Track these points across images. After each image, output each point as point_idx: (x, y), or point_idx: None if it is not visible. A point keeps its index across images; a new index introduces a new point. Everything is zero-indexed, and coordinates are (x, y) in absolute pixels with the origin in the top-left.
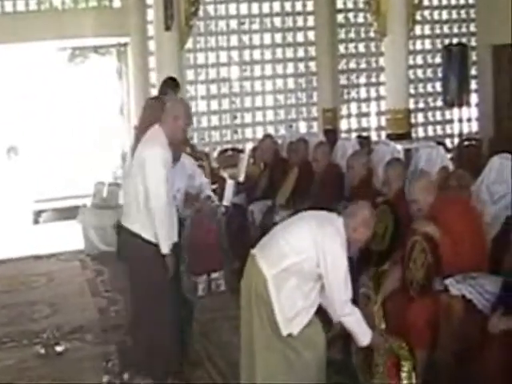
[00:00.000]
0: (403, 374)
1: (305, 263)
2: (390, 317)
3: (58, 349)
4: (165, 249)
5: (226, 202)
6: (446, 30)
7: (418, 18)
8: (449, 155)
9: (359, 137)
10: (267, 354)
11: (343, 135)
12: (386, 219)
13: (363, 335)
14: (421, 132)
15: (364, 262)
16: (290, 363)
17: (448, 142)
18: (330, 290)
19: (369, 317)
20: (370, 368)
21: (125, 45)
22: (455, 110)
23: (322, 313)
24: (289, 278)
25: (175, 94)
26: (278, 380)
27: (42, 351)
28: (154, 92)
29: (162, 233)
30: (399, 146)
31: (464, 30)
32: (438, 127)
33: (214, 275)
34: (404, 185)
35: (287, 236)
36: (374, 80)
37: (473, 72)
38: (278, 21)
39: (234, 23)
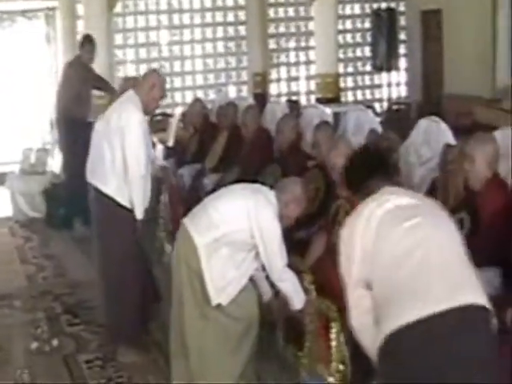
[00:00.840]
0: (332, 335)
1: (237, 234)
2: (318, 279)
3: None
4: (139, 215)
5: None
6: None
7: None
8: (378, 119)
9: (289, 101)
10: (200, 323)
11: (273, 99)
12: (317, 182)
13: (298, 299)
14: (350, 96)
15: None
16: (224, 330)
17: (377, 106)
18: (266, 259)
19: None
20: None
21: (53, 9)
22: (384, 75)
23: None
24: (220, 248)
25: (91, 48)
26: (212, 348)
27: None
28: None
29: (139, 200)
30: (328, 110)
31: None
32: (367, 91)
33: None
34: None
35: (219, 206)
36: (303, 44)
37: (402, 37)
38: None
39: None
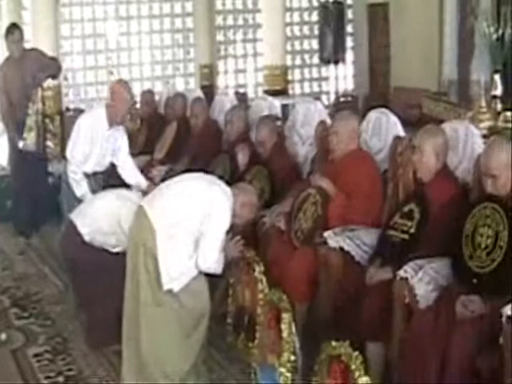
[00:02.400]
0: (283, 326)
1: (191, 221)
2: (273, 268)
3: None
4: None
5: None
6: None
7: None
8: (326, 111)
9: (236, 93)
10: (153, 308)
11: (220, 91)
12: (261, 180)
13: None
14: (297, 89)
15: None
16: (177, 317)
17: (324, 98)
18: (206, 246)
19: None
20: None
21: None
22: (331, 67)
23: None
24: (176, 235)
25: (13, 35)
26: (165, 333)
27: None
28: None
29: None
30: (277, 102)
31: None
32: (315, 84)
33: None
34: (278, 140)
35: (176, 192)
36: (250, 36)
37: (349, 30)
38: None
39: None
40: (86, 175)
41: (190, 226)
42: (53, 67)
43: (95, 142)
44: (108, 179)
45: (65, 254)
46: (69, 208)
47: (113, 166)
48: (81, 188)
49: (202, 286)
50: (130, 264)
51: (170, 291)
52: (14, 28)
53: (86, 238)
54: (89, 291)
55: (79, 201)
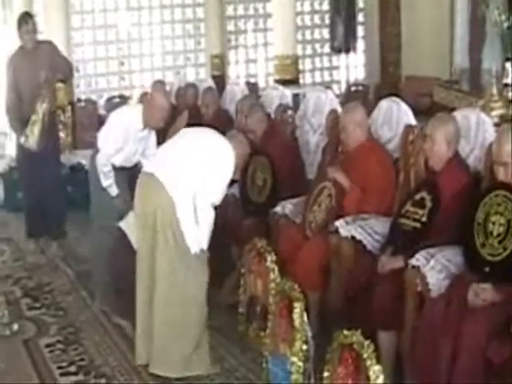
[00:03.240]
0: (295, 315)
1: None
2: (284, 258)
3: None
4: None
5: None
6: None
7: None
8: (336, 101)
9: (247, 83)
10: (169, 279)
11: (232, 81)
12: (264, 171)
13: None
14: (308, 78)
15: (246, 211)
16: (187, 285)
17: (335, 88)
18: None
19: None
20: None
21: None
22: (342, 57)
23: None
24: (200, 204)
25: (27, 25)
26: (175, 305)
27: None
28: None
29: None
30: (288, 91)
31: None
32: (326, 73)
33: None
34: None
35: (187, 154)
36: (261, 26)
37: (360, 19)
38: None
39: None
40: (114, 167)
41: (199, 185)
42: (65, 70)
43: (127, 140)
44: (133, 176)
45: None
46: (95, 198)
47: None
48: (108, 180)
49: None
50: (144, 234)
51: (188, 259)
52: (27, 17)
53: None
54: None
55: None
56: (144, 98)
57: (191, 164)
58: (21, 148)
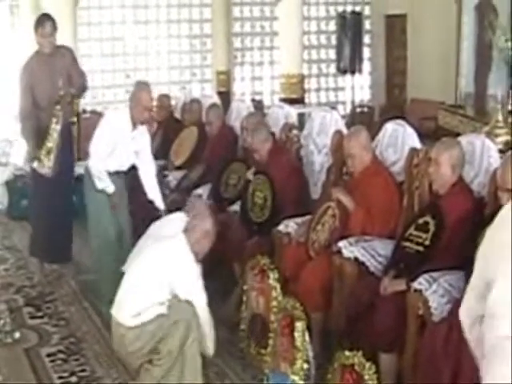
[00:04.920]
0: (297, 334)
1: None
2: (287, 277)
3: None
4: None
5: None
6: None
7: None
8: (342, 121)
9: (253, 100)
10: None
11: (237, 98)
12: (264, 190)
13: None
14: (314, 98)
15: (248, 232)
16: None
17: (341, 108)
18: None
19: None
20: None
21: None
22: (348, 78)
23: None
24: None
25: (44, 29)
26: None
27: None
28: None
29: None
30: (293, 110)
31: None
32: (331, 93)
33: None
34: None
35: (140, 287)
36: (267, 44)
37: (366, 40)
38: None
39: None
40: (108, 173)
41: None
42: (79, 84)
43: (118, 142)
44: (129, 180)
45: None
46: (89, 205)
47: (134, 168)
48: (102, 181)
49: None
50: None
51: None
52: (45, 20)
53: None
54: None
55: (100, 193)
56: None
57: (149, 294)
58: (33, 171)
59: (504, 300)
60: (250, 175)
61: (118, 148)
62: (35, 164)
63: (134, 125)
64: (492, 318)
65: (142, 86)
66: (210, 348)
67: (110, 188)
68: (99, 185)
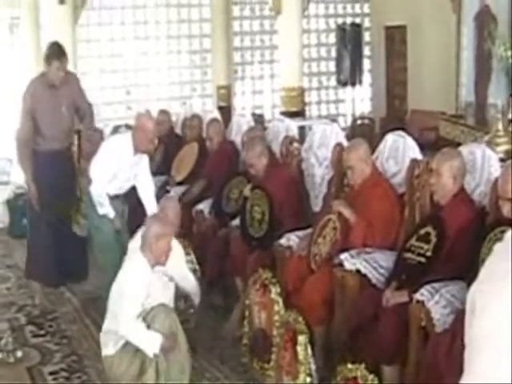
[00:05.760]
0: (299, 348)
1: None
2: (290, 290)
3: None
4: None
5: None
6: (339, 10)
7: None
8: (342, 134)
9: (253, 114)
10: None
11: (238, 112)
12: (261, 204)
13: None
14: (314, 110)
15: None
16: None
17: (341, 120)
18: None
19: None
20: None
21: (17, 18)
22: (348, 90)
23: None
24: None
25: (61, 64)
26: None
27: None
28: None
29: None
30: (294, 123)
31: (358, 10)
32: (332, 106)
33: None
34: (270, 160)
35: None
36: (267, 58)
37: (366, 52)
38: None
39: None
40: (108, 196)
41: None
42: (86, 117)
43: (120, 168)
44: (127, 201)
45: None
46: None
47: (133, 189)
48: (104, 207)
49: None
50: None
51: None
52: (60, 54)
53: None
54: None
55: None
56: (133, 125)
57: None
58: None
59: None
60: (246, 192)
61: (119, 174)
62: (76, 229)
63: (136, 151)
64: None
65: (147, 117)
66: None
67: (111, 214)
68: (100, 210)
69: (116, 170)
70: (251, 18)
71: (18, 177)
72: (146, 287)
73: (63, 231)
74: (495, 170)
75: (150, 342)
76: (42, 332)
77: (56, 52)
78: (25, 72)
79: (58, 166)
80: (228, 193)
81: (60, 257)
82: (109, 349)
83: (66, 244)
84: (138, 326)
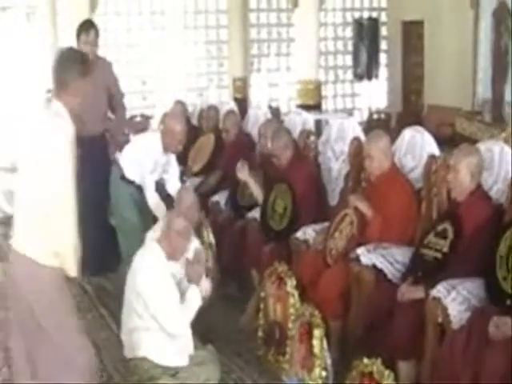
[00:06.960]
0: (315, 341)
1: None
2: (305, 284)
3: None
4: None
5: None
6: (357, 4)
7: None
8: (359, 128)
9: (270, 107)
10: None
11: (254, 104)
12: (285, 198)
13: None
14: (330, 104)
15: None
16: None
17: (357, 114)
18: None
19: None
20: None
21: (34, 7)
22: (365, 84)
23: None
24: None
25: (87, 36)
26: None
27: None
28: None
29: None
30: (310, 117)
31: (375, 4)
32: (348, 100)
33: None
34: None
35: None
36: (284, 50)
37: (383, 46)
38: None
39: None
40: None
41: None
42: (120, 111)
43: (152, 166)
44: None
45: None
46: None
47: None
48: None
49: None
50: None
51: None
52: (88, 26)
53: None
54: None
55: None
56: (161, 124)
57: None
58: None
59: None
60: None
61: (150, 172)
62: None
63: (165, 150)
64: None
65: (175, 121)
66: None
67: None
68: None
69: (151, 166)
70: (268, 10)
71: None
72: (170, 277)
73: (98, 221)
74: None
75: (196, 303)
76: None
77: (84, 25)
78: (42, 61)
79: (92, 153)
80: (243, 187)
81: (96, 246)
82: (142, 350)
83: (101, 234)
84: (185, 311)
